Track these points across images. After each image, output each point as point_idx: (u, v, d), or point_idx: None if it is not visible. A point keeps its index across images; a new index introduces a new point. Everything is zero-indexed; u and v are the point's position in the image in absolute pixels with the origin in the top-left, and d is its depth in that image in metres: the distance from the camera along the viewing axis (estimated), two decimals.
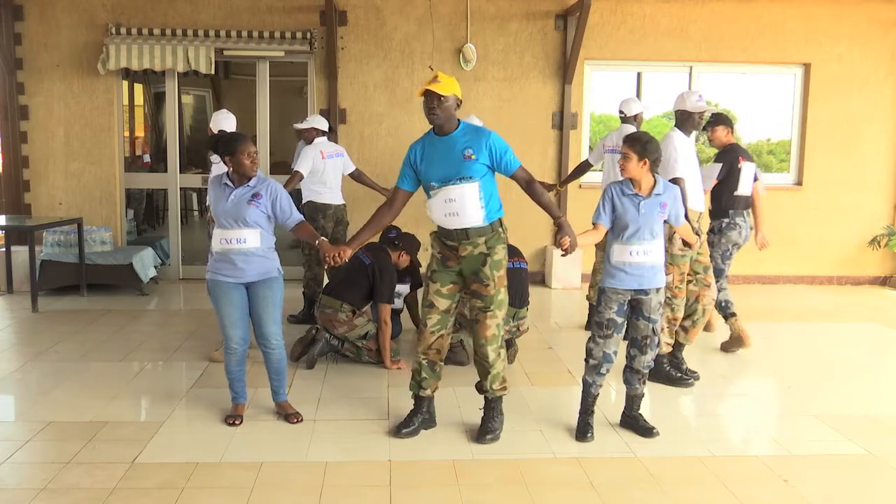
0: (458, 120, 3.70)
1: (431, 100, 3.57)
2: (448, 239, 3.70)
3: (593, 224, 3.89)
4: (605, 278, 3.84)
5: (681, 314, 4.69)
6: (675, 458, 3.67)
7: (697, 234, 4.45)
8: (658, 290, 3.83)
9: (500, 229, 3.73)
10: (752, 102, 8.33)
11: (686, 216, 4.51)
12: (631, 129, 5.59)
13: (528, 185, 3.74)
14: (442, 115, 3.60)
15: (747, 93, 8.21)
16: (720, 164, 5.33)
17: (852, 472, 3.57)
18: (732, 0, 7.67)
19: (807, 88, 7.95)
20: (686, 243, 4.33)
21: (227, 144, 3.84)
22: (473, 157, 3.59)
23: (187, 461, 3.53)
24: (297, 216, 3.93)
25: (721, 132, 5.46)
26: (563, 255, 3.71)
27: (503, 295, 3.74)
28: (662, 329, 4.66)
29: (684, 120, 4.62)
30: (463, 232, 3.64)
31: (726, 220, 5.36)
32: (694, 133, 4.75)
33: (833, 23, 7.80)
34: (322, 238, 3.85)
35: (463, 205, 3.60)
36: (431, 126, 3.70)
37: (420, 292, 4.31)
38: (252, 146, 3.84)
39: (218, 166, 4.65)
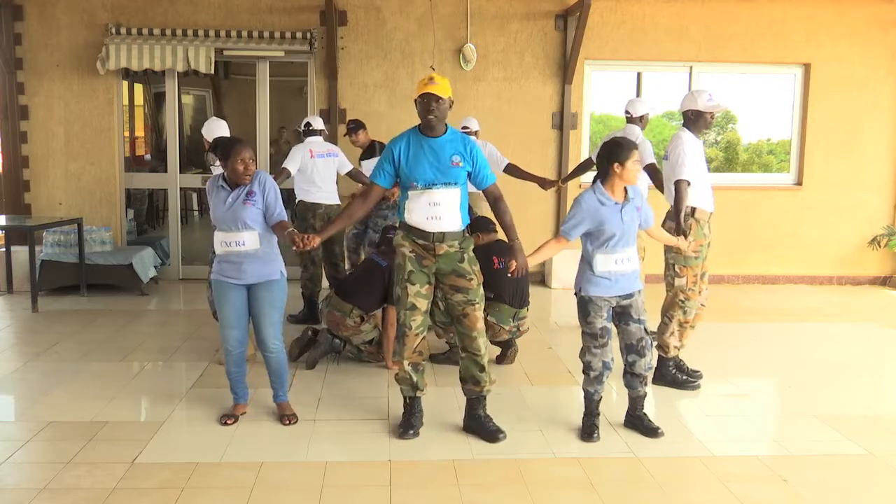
0: (446, 124, 3.72)
1: (430, 101, 3.59)
2: (422, 239, 3.70)
3: (560, 236, 3.76)
4: (589, 287, 3.73)
5: (692, 317, 4.66)
6: (675, 458, 3.67)
7: (685, 233, 4.40)
8: (640, 291, 3.82)
9: (468, 234, 3.83)
10: (752, 102, 8.31)
11: (694, 215, 4.50)
12: (636, 129, 5.55)
13: (496, 202, 3.79)
14: (439, 117, 3.63)
15: (747, 93, 8.19)
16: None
17: (852, 472, 3.57)
18: (732, 0, 7.67)
19: (807, 88, 7.95)
20: (674, 248, 4.30)
21: (223, 149, 3.82)
22: (460, 164, 3.65)
23: (187, 461, 3.53)
24: (280, 214, 3.86)
25: (362, 135, 6.47)
26: (509, 276, 3.72)
27: (482, 289, 3.82)
28: (672, 332, 4.64)
29: (695, 120, 4.50)
30: (440, 235, 3.68)
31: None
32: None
33: (833, 23, 7.79)
34: (291, 229, 3.80)
35: (445, 209, 3.65)
36: (418, 125, 3.70)
37: None
38: (247, 152, 3.79)
39: (216, 168, 4.64)
